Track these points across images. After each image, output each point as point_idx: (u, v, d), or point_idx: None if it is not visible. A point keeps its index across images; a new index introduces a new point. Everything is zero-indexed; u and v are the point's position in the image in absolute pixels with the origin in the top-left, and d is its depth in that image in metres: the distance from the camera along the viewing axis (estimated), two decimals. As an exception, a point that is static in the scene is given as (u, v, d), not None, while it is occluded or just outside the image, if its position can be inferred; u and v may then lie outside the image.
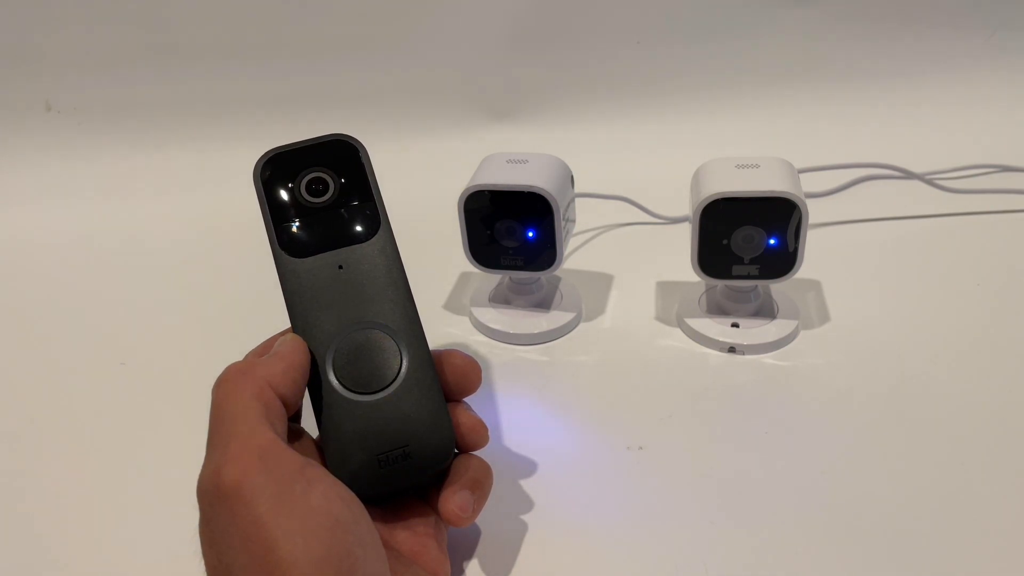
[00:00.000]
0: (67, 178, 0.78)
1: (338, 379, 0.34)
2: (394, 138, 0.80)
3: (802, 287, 0.56)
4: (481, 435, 0.36)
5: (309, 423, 0.35)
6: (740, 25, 0.83)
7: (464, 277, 0.61)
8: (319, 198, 0.37)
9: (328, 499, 0.29)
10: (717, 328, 0.52)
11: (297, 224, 0.36)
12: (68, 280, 0.65)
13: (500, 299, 0.56)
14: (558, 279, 0.58)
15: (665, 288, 0.58)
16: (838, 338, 0.52)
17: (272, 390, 0.32)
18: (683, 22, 0.83)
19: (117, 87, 0.80)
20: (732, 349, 0.51)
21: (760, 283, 0.52)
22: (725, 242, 0.48)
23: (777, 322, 0.52)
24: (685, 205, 0.53)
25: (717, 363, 0.50)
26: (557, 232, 0.49)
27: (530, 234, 0.50)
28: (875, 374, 0.48)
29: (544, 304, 0.55)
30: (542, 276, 0.55)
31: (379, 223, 0.37)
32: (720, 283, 0.52)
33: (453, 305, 0.58)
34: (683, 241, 0.51)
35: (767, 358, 0.50)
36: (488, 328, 0.54)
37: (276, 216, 0.36)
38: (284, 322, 0.36)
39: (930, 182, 0.68)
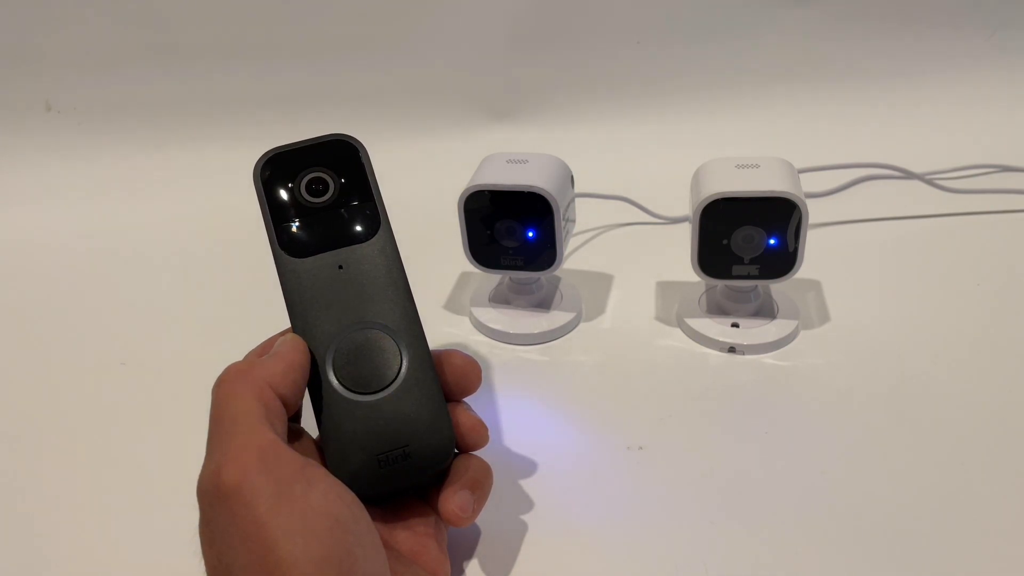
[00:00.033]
0: (67, 178, 0.78)
1: (338, 379, 0.34)
2: (394, 138, 0.80)
3: (802, 287, 0.56)
4: (481, 435, 0.36)
5: (309, 423, 0.35)
6: (740, 25, 0.83)
7: (464, 277, 0.61)
8: (319, 198, 0.37)
9: (328, 499, 0.29)
10: (717, 328, 0.52)
11: (297, 224, 0.36)
12: (68, 280, 0.65)
13: (500, 299, 0.56)
14: (558, 279, 0.58)
15: (665, 288, 0.58)
16: (838, 338, 0.52)
17: (272, 390, 0.32)
18: (683, 22, 0.83)
19: (117, 87, 0.80)
20: (732, 349, 0.51)
21: (760, 283, 0.52)
22: (725, 242, 0.48)
23: (777, 322, 0.52)
24: (685, 205, 0.53)
25: (717, 363, 0.50)
26: (557, 232, 0.49)
27: (530, 234, 0.50)
28: (875, 374, 0.48)
29: (544, 304, 0.55)
30: (542, 276, 0.55)
31: (379, 223, 0.37)
32: (720, 283, 0.52)
33: (453, 305, 0.58)
34: (683, 241, 0.51)
35: (767, 358, 0.50)
36: (488, 328, 0.54)
37: (276, 216, 0.36)
38: (284, 322, 0.36)
39: (930, 182, 0.68)
